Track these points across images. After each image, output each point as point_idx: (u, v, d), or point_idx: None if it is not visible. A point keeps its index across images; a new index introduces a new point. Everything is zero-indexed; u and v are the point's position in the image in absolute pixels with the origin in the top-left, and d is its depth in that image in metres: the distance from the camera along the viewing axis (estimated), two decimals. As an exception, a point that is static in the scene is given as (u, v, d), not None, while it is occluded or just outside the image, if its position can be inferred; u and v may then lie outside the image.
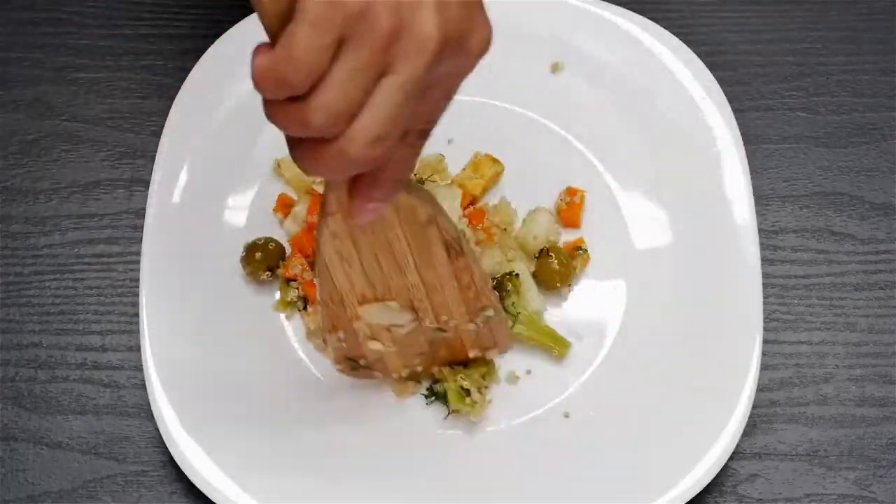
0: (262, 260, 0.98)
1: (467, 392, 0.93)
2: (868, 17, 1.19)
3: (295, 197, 1.04)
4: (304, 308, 0.98)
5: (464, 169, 1.04)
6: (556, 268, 0.99)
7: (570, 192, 1.05)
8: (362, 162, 0.56)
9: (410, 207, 0.72)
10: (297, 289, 0.98)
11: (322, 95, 0.54)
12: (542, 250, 0.99)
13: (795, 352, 1.01)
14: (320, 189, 1.00)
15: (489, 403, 0.95)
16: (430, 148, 0.70)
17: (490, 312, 0.87)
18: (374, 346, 0.89)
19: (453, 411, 0.94)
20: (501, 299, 0.95)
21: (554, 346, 0.97)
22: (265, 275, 0.99)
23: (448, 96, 0.62)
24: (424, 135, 0.64)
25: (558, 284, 0.99)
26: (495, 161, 1.05)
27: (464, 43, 0.58)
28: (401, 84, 0.55)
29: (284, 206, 1.03)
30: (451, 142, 1.06)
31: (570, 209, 1.04)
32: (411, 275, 0.78)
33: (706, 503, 0.95)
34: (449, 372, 0.94)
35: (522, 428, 0.95)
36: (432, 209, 0.73)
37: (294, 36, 0.53)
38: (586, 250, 1.02)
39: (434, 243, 0.75)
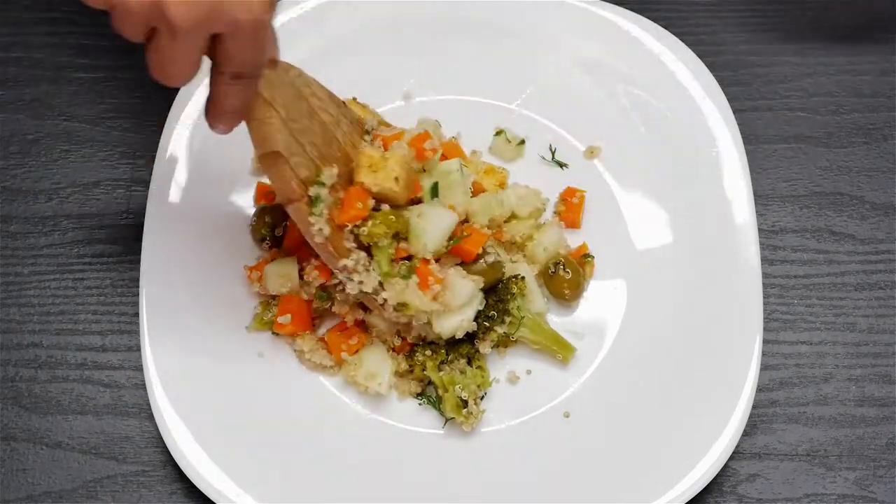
0: (271, 221, 1.00)
1: (465, 403, 0.93)
2: (868, 17, 1.19)
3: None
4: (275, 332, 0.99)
5: (478, 172, 1.04)
6: (569, 280, 0.98)
7: (570, 192, 1.05)
8: (156, 76, 0.77)
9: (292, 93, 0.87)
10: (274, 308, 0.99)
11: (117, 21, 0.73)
12: (555, 264, 0.99)
13: (795, 352, 1.01)
14: None
15: (482, 413, 0.95)
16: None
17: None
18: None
19: (449, 419, 0.94)
20: (506, 302, 0.95)
21: (558, 350, 0.97)
22: (266, 232, 1.00)
23: (248, 51, 0.77)
24: (240, 77, 0.79)
25: (568, 296, 0.99)
26: (499, 171, 1.05)
27: (223, 13, 0.73)
28: (163, 44, 0.73)
29: (265, 195, 1.04)
30: (457, 137, 1.07)
31: (570, 209, 1.04)
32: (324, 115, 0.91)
33: (706, 503, 0.95)
34: (447, 379, 0.94)
35: (522, 428, 0.95)
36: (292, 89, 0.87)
37: None
38: (593, 256, 1.02)
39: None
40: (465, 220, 0.98)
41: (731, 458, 0.93)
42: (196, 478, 0.90)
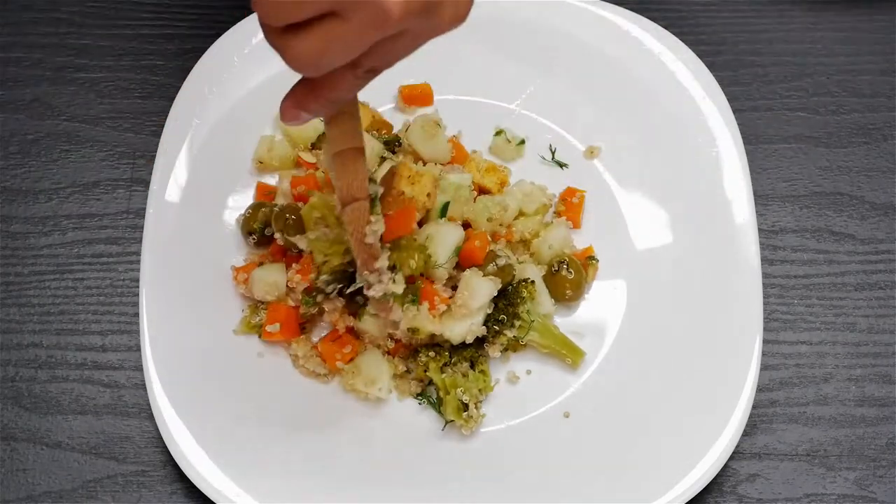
0: (264, 218, 0.99)
1: (465, 406, 0.93)
2: (868, 17, 1.19)
3: (273, 183, 1.05)
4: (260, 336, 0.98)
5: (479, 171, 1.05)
6: (571, 280, 0.98)
7: (570, 192, 1.05)
8: (304, 68, 0.66)
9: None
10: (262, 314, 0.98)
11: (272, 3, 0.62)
12: (559, 262, 0.99)
13: (795, 352, 1.01)
14: (307, 157, 1.05)
15: (483, 417, 0.95)
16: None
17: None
18: None
19: (449, 422, 0.94)
20: (516, 306, 0.95)
21: (568, 354, 0.97)
22: (257, 227, 0.99)
23: (408, 50, 0.69)
24: (374, 72, 0.70)
25: (569, 296, 0.99)
26: (500, 170, 1.05)
27: (432, 15, 0.66)
28: (346, 32, 0.63)
29: (265, 195, 1.04)
30: (458, 136, 1.07)
31: (570, 209, 1.04)
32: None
33: (706, 503, 0.95)
34: (449, 381, 0.94)
35: (522, 428, 0.95)
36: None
37: None
38: (598, 259, 1.02)
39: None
40: (468, 226, 0.98)
41: (731, 458, 0.93)
42: (196, 478, 0.90)
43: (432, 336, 0.95)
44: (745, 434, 0.94)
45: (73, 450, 0.96)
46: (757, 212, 1.02)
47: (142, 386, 0.95)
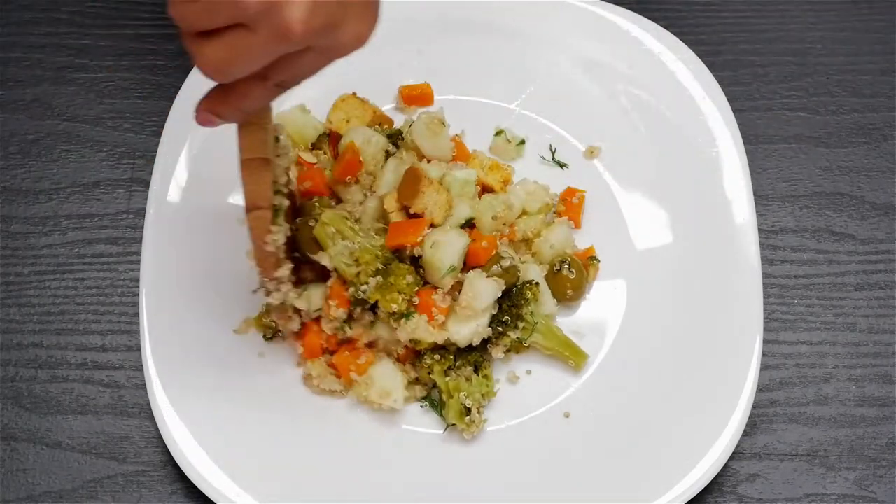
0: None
1: (468, 411, 0.93)
2: (868, 17, 1.19)
3: None
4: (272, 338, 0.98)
5: (483, 169, 1.04)
6: (573, 280, 0.98)
7: (570, 192, 1.04)
8: (212, 73, 0.70)
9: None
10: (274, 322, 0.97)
11: (186, 9, 0.68)
12: (561, 262, 0.99)
13: (795, 352, 1.01)
14: (308, 157, 1.05)
15: (485, 422, 0.94)
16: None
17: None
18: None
19: (451, 425, 0.94)
20: (520, 307, 0.95)
21: (571, 356, 0.97)
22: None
23: (314, 68, 0.74)
24: (283, 86, 0.75)
25: (570, 296, 0.99)
26: (503, 168, 1.05)
27: (334, 34, 0.70)
28: (252, 43, 0.67)
29: None
30: (462, 133, 1.07)
31: (570, 209, 1.03)
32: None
33: (706, 503, 0.95)
34: (453, 385, 0.94)
35: (522, 428, 0.95)
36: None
37: None
38: (599, 260, 1.02)
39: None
40: (472, 226, 0.98)
41: (731, 458, 0.93)
42: (196, 478, 0.90)
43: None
44: (745, 434, 0.94)
45: (73, 450, 0.96)
46: (757, 212, 1.02)
47: (142, 386, 0.95)
